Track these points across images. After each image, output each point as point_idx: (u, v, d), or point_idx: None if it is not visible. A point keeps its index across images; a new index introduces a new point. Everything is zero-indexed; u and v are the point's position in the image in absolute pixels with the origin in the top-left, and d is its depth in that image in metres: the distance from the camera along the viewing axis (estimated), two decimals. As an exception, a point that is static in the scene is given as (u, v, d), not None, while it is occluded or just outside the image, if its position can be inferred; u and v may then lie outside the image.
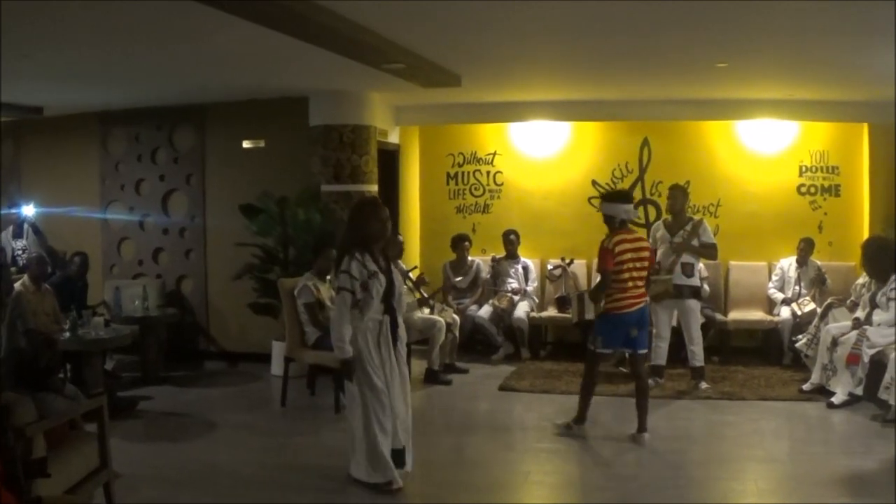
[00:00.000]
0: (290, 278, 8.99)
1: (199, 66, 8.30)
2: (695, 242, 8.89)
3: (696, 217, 9.39)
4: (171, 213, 11.09)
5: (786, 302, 10.44)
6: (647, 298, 7.44)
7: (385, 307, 5.80)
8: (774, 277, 10.77)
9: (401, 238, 9.96)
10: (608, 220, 7.27)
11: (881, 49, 7.24)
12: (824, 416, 8.08)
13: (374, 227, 5.77)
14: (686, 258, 8.86)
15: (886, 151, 10.73)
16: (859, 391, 8.16)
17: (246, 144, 10.68)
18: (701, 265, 9.61)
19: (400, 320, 5.95)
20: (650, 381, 8.97)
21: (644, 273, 7.26)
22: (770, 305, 10.78)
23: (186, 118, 10.88)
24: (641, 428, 7.35)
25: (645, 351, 7.58)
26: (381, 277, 5.73)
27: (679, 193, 9.13)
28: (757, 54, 7.81)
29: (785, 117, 10.88)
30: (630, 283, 7.17)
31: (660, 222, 9.34)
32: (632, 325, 7.25)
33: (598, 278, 7.27)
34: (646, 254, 7.27)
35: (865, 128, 10.99)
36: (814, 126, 11.13)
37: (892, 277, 8.31)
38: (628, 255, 7.13)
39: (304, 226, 9.81)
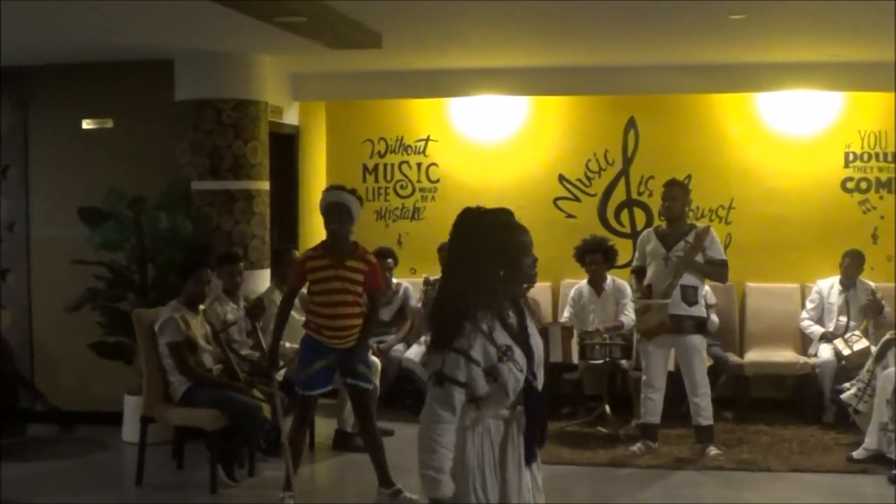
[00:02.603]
0: (149, 309, 8.95)
1: (17, 12, 8.05)
2: (699, 258, 8.98)
3: (701, 224, 9.52)
4: (-21, 218, 10.94)
5: (826, 338, 10.55)
6: None
7: (521, 394, 4.39)
8: (810, 305, 10.90)
9: (297, 255, 9.93)
10: None
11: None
12: (885, 495, 8.10)
13: (514, 259, 4.38)
14: (688, 279, 8.95)
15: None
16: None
17: (87, 125, 10.60)
18: (707, 289, 9.76)
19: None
20: (638, 447, 9.08)
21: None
22: (804, 343, 10.94)
23: (1, 87, 10.70)
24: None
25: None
26: (517, 352, 4.32)
27: (679, 192, 9.23)
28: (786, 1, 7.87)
29: (825, 87, 11.05)
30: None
31: (650, 231, 9.45)
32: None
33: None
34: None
35: (945, 98, 11.14)
36: (866, 98, 11.30)
37: None
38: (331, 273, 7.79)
39: (168, 237, 9.76)
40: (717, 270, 9.13)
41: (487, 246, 4.29)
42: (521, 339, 4.30)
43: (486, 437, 4.25)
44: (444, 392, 4.15)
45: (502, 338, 4.23)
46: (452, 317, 4.22)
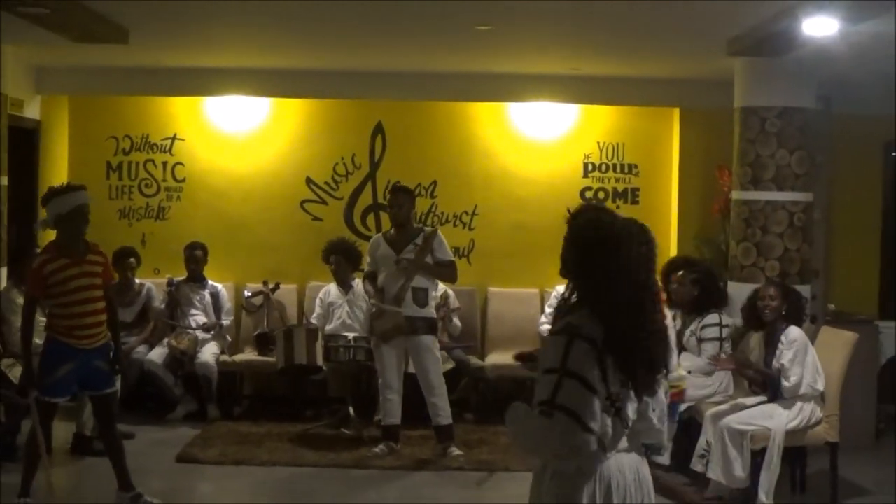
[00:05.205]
0: None
1: None
2: (429, 260, 9.14)
3: (428, 228, 9.68)
4: None
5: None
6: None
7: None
8: (548, 309, 11.08)
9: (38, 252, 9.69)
10: None
11: (701, 7, 7.57)
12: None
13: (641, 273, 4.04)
14: (418, 282, 9.10)
15: (703, 145, 11.31)
16: (664, 460, 8.50)
17: None
18: (452, 293, 9.98)
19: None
20: (381, 448, 9.15)
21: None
22: (543, 346, 11.05)
23: None
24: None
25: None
26: None
27: (404, 198, 9.40)
28: (529, 13, 8.04)
29: (565, 99, 11.41)
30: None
31: (379, 237, 9.61)
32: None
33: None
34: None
35: (676, 114, 11.67)
36: (605, 112, 11.72)
37: (711, 312, 8.89)
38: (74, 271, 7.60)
39: None
40: (446, 271, 9.32)
41: (599, 255, 4.05)
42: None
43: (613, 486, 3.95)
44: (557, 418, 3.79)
45: None
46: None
